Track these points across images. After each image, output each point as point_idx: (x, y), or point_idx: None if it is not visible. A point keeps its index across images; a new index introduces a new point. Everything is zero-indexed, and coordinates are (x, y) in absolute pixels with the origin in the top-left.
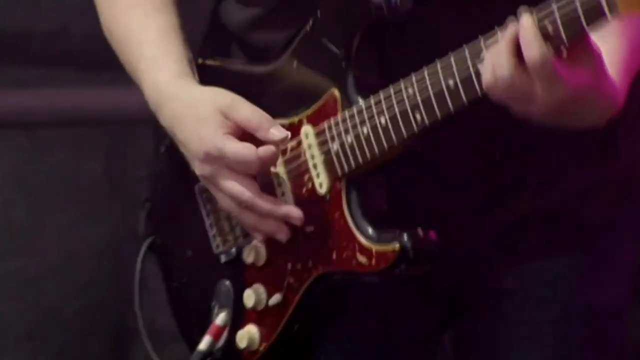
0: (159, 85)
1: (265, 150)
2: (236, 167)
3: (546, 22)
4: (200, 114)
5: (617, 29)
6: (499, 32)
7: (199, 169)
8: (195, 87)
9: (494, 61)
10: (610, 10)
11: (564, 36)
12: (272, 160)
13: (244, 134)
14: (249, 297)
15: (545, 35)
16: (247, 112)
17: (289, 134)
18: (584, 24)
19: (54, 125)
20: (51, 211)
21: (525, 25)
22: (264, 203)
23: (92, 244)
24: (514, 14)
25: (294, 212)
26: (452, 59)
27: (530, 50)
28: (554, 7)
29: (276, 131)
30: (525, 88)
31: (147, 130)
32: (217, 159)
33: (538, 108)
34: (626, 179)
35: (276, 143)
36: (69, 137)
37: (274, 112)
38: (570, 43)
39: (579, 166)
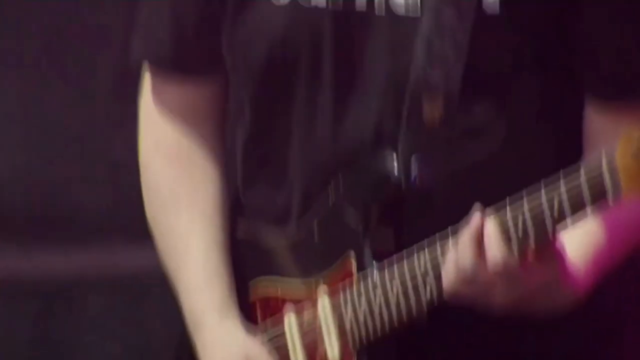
0: (199, 313)
1: None
2: None
3: (519, 222)
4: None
5: (598, 220)
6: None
7: None
8: (233, 331)
9: (457, 253)
10: (615, 193)
11: (532, 240)
12: None
13: None
14: None
15: (514, 237)
16: None
17: None
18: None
19: None
20: None
21: (489, 229)
22: None
23: None
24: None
25: None
26: None
27: (493, 252)
28: (525, 208)
29: None
30: (485, 282)
31: (74, 296)
32: None
33: (496, 301)
34: None
35: None
36: None
37: (292, 275)
38: (537, 246)
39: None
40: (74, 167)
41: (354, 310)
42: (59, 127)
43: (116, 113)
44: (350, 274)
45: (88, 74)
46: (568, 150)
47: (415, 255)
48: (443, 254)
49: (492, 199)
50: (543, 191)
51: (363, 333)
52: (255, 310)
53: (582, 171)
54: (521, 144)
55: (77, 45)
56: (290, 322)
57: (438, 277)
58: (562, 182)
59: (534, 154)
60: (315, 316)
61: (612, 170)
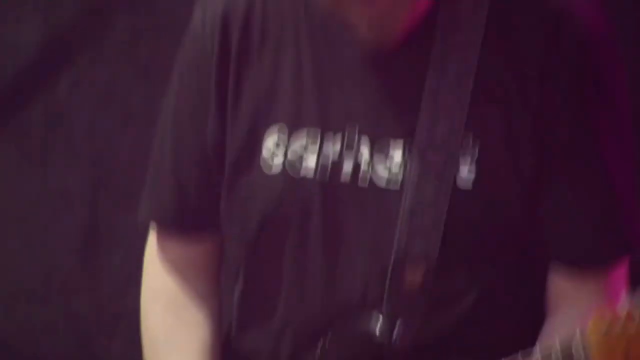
0: None
1: None
2: None
3: None
4: None
5: None
6: None
7: None
8: None
9: None
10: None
11: None
12: None
13: None
14: None
15: None
16: None
17: None
18: None
19: None
20: None
21: None
22: None
23: None
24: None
25: None
26: None
27: None
28: None
29: None
30: None
31: None
32: None
33: None
34: None
35: None
36: None
37: None
38: None
39: None
40: (34, 317)
41: None
42: (18, 278)
43: (77, 267)
44: None
45: (52, 233)
46: (538, 309)
47: None
48: None
49: (466, 356)
50: None
51: None
52: None
53: (556, 345)
54: (492, 307)
55: (43, 205)
56: None
57: None
58: (538, 353)
59: (505, 315)
60: None
61: (585, 347)
